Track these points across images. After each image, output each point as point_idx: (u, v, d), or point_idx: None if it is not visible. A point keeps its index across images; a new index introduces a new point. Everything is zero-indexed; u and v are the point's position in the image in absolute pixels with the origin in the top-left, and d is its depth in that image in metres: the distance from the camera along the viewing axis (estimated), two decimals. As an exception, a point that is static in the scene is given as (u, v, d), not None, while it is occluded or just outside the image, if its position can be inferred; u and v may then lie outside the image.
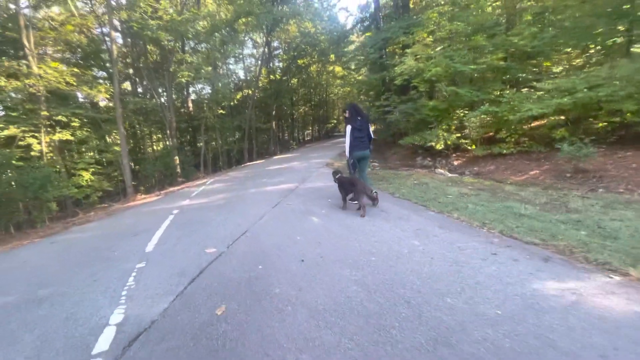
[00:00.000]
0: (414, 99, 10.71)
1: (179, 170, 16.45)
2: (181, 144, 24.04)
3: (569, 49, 8.94)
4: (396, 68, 9.83)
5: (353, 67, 28.14)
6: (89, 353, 2.00)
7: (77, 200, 10.99)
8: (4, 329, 2.43)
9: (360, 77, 30.29)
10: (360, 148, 4.94)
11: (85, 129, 10.65)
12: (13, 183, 8.03)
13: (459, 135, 9.40)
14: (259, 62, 27.80)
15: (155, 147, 22.99)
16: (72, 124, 10.04)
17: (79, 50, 16.63)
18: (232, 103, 26.63)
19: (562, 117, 6.99)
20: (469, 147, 9.38)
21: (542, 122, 8.43)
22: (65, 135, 9.77)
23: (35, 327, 2.39)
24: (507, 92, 7.36)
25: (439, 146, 9.42)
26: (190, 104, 23.61)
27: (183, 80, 13.26)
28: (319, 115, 44.23)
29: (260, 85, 27.45)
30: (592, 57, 8.67)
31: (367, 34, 17.66)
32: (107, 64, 16.71)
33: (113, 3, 12.23)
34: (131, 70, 20.85)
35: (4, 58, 8.98)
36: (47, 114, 9.11)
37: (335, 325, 1.98)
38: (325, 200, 5.49)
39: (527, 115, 6.64)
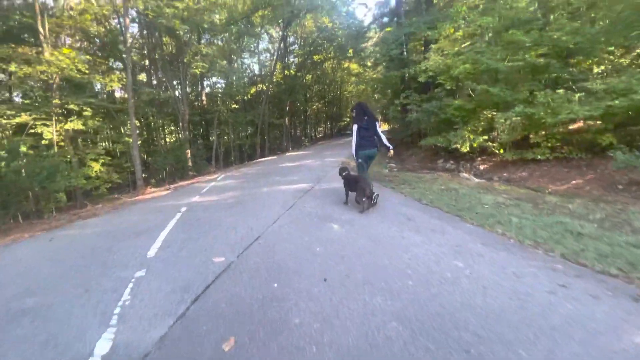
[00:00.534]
0: (439, 97, 10.09)
1: (190, 163, 16.24)
2: (194, 137, 23.93)
3: (611, 47, 8.18)
4: (421, 64, 9.24)
5: (370, 64, 27.52)
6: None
7: (87, 191, 10.82)
8: (-27, 350, 2.05)
9: (375, 76, 29.63)
10: (367, 147, 4.89)
11: (97, 118, 10.44)
12: (23, 172, 7.85)
13: (486, 137, 8.76)
14: (275, 56, 27.40)
15: (168, 140, 22.92)
16: (84, 113, 9.81)
17: (97, 40, 16.59)
18: (245, 97, 26.37)
19: (608, 122, 6.31)
20: (497, 151, 8.75)
21: (579, 125, 7.74)
22: (77, 125, 9.56)
23: (8, 351, 2.01)
24: (544, 93, 6.68)
25: (464, 148, 8.81)
26: (204, 97, 23.43)
27: (197, 71, 12.94)
28: (332, 112, 43.66)
29: (275, 80, 27.08)
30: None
31: (388, 29, 17.03)
32: (124, 55, 16.59)
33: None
34: (147, 62, 20.82)
35: (15, 45, 8.78)
36: (59, 102, 8.89)
37: (376, 383, 1.52)
38: (344, 204, 5.02)
39: (569, 118, 5.99)
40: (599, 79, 6.44)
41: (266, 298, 2.36)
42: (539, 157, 7.14)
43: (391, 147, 5.06)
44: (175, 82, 19.66)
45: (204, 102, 23.24)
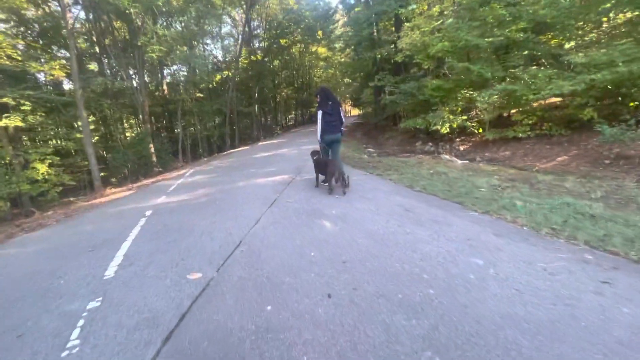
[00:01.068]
0: (417, 77, 9.79)
1: (154, 159, 15.02)
2: (157, 130, 22.29)
3: (580, 22, 8.21)
4: (398, 42, 8.81)
5: (339, 46, 26.85)
6: None
7: (37, 196, 9.56)
8: None
9: (344, 59, 29.10)
10: (332, 132, 4.96)
11: (39, 113, 9.11)
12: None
13: (464, 117, 8.62)
14: (239, 41, 25.91)
15: (128, 134, 21.18)
16: (23, 107, 8.50)
17: (35, 26, 14.59)
18: (210, 85, 24.91)
19: (587, 97, 6.28)
20: (476, 131, 8.65)
21: (552, 101, 7.76)
22: (14, 122, 8.26)
23: None
24: (528, 69, 6.53)
25: (444, 130, 8.62)
26: (165, 87, 21.77)
27: (154, 55, 11.70)
28: (302, 98, 42.64)
29: (241, 66, 25.70)
30: (607, 31, 7.97)
31: (357, 9, 16.41)
32: (68, 40, 14.76)
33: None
34: (97, 49, 18.78)
35: None
36: (-14, 95, 7.58)
37: None
38: (332, 197, 4.57)
39: (552, 93, 5.87)
40: (573, 54, 6.38)
41: (260, 329, 1.87)
42: (520, 135, 7.07)
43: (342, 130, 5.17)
44: (132, 72, 17.98)
45: (166, 91, 21.60)
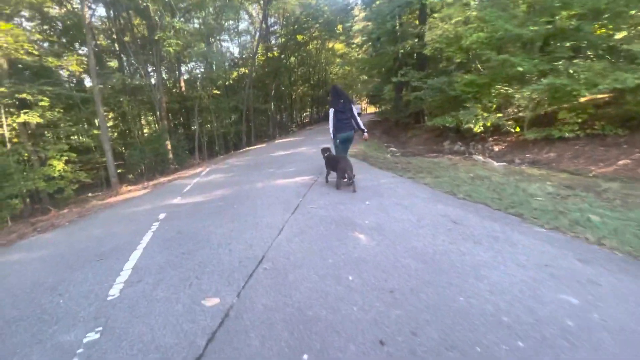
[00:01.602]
0: (448, 72, 9.13)
1: (171, 156, 14.89)
2: (174, 126, 22.31)
3: (632, 11, 7.35)
4: (426, 34, 8.19)
5: (358, 41, 26.22)
6: None
7: (54, 192, 9.49)
8: None
9: (361, 56, 28.46)
10: (344, 130, 5.00)
11: (57, 109, 9.00)
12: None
13: (500, 115, 7.92)
14: (256, 37, 25.66)
15: (146, 131, 21.29)
16: (41, 103, 8.39)
17: (58, 23, 14.71)
18: (227, 82, 24.78)
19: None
20: (512, 130, 7.94)
21: (605, 98, 6.97)
22: (33, 117, 8.15)
23: None
24: (580, 62, 5.82)
25: (477, 128, 7.96)
26: (182, 84, 21.75)
27: (171, 50, 11.45)
28: (318, 96, 42.10)
29: (257, 63, 25.44)
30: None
31: (378, 1, 15.73)
32: (85, 33, 14.80)
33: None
34: (117, 46, 18.87)
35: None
36: (5, 90, 7.46)
37: None
38: (361, 202, 4.09)
39: (612, 87, 5.17)
40: (638, 42, 5.63)
41: (296, 391, 1.42)
42: (567, 134, 6.35)
43: (365, 130, 5.27)
44: (150, 69, 17.98)
45: (183, 88, 21.56)
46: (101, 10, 16.86)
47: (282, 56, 27.52)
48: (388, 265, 2.45)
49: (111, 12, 17.55)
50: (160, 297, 2.37)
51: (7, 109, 8.19)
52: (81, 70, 10.44)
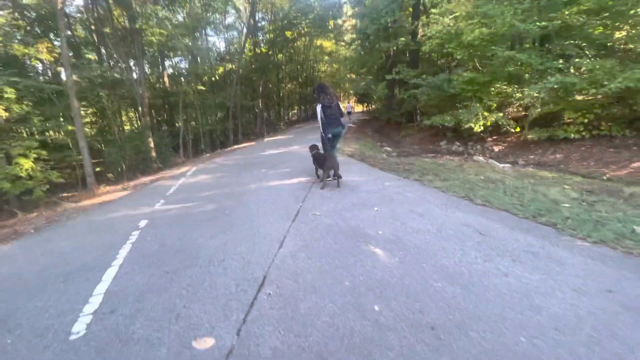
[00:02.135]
0: (444, 69, 8.84)
1: (154, 154, 14.09)
2: (157, 123, 21.36)
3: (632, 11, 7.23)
4: (427, 30, 7.86)
5: (348, 38, 25.90)
6: None
7: (21, 194, 8.65)
8: None
9: (349, 54, 28.23)
10: (334, 125, 5.00)
11: (25, 102, 8.18)
12: None
13: (501, 114, 7.69)
14: (244, 32, 24.93)
15: (127, 128, 20.27)
16: (6, 95, 7.57)
17: (31, 12, 13.68)
18: (213, 78, 24.01)
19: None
20: (513, 130, 7.72)
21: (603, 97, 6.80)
22: (-4, 111, 7.34)
23: None
24: (587, 60, 5.59)
25: (478, 128, 7.70)
26: (166, 79, 20.84)
27: (153, 40, 10.72)
28: (306, 93, 41.54)
29: (245, 58, 24.68)
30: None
31: (370, -1, 15.37)
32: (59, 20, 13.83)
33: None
34: (95, 38, 17.79)
35: None
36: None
37: None
38: (369, 208, 3.68)
39: (623, 86, 4.94)
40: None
41: None
42: (573, 135, 6.13)
43: (346, 127, 5.44)
44: (132, 63, 17.03)
45: (167, 83, 20.64)
46: (79, 0, 15.83)
47: (270, 52, 26.88)
48: (419, 290, 2.04)
49: (89, 0, 16.58)
50: (139, 336, 1.87)
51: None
52: (52, 60, 9.58)
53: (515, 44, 7.79)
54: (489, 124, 7.66)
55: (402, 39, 12.82)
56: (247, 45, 25.16)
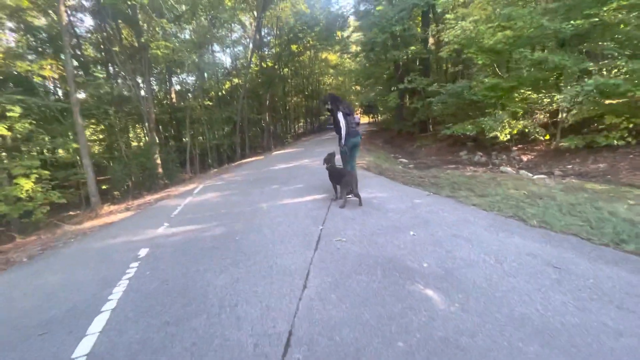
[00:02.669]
0: (462, 75, 8.40)
1: (160, 170, 13.80)
2: (164, 139, 21.27)
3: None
4: (446, 33, 7.45)
5: (353, 49, 25.82)
6: None
7: (21, 216, 8.29)
8: None
9: (354, 67, 28.25)
10: (354, 135, 4.70)
11: (28, 120, 7.92)
12: None
13: (528, 122, 7.15)
14: (250, 47, 25.07)
15: (135, 144, 20.18)
16: (9, 114, 7.32)
17: (42, 33, 13.76)
18: (220, 93, 24.03)
19: None
20: (542, 138, 7.16)
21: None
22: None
23: None
24: (622, 59, 5.07)
25: (504, 137, 7.16)
26: (173, 94, 20.87)
27: (159, 53, 10.53)
28: (312, 106, 41.52)
29: (251, 72, 24.70)
30: None
31: (378, 8, 15.14)
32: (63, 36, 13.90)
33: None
34: (104, 55, 17.92)
35: None
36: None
37: None
38: (403, 232, 3.15)
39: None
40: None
41: None
42: (615, 142, 5.55)
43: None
44: (140, 80, 17.04)
45: (174, 99, 20.65)
46: (89, 21, 16.01)
47: (276, 66, 26.95)
48: (501, 357, 1.49)
49: (98, 20, 16.76)
50: None
51: (-32, 121, 7.09)
52: (58, 77, 9.40)
53: (536, 46, 7.31)
54: (515, 132, 7.12)
55: (413, 47, 12.47)
56: (253, 59, 25.28)
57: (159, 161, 13.83)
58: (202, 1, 15.40)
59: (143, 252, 3.54)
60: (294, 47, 26.80)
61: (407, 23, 13.18)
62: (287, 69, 29.88)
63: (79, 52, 16.85)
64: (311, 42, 26.92)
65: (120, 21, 16.02)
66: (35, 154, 9.12)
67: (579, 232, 2.77)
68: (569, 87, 5.64)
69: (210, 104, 22.52)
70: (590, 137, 5.89)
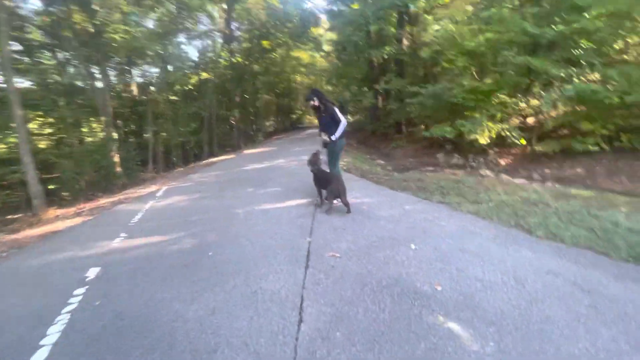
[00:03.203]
0: (435, 77, 8.34)
1: (118, 169, 12.57)
2: (124, 135, 19.64)
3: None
4: (424, 35, 7.30)
5: (327, 48, 25.62)
6: None
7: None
8: None
9: (326, 66, 28.20)
10: (343, 135, 4.29)
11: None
12: None
13: (506, 126, 7.21)
14: (219, 40, 23.99)
15: (91, 139, 18.38)
16: None
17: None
18: (186, 87, 22.77)
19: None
20: (518, 142, 7.25)
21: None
22: None
23: None
24: (598, 66, 5.17)
25: (483, 140, 7.16)
26: (134, 87, 19.32)
27: (117, 37, 9.48)
28: (283, 105, 40.75)
29: (221, 66, 23.61)
30: None
31: (354, 6, 14.92)
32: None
33: None
34: (52, 41, 16.07)
35: None
36: None
37: None
38: (403, 245, 2.82)
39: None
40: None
41: None
42: (591, 147, 5.67)
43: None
44: (95, 69, 15.49)
45: (135, 92, 19.10)
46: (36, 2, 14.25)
47: (247, 62, 26.06)
48: None
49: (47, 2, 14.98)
50: None
51: None
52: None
53: (515, 51, 7.40)
54: (493, 135, 7.15)
55: (388, 47, 12.38)
56: (222, 54, 24.22)
57: (117, 159, 12.59)
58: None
59: (93, 273, 2.91)
60: (265, 43, 26.07)
61: (383, 23, 13.10)
62: (257, 66, 29.01)
63: (22, 36, 14.97)
64: (283, 39, 26.36)
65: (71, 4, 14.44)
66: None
67: (591, 246, 2.59)
68: (551, 92, 5.70)
69: (176, 98, 21.19)
70: (566, 142, 6.00)
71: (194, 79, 24.32)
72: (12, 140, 8.40)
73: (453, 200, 4.09)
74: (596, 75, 5.81)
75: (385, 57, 13.07)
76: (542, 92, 6.43)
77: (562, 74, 5.66)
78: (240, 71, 24.16)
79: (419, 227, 3.29)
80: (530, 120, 7.17)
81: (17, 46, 13.09)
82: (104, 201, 7.43)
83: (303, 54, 35.18)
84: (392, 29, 13.71)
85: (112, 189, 10.69)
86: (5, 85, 8.66)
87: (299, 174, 6.94)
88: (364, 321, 1.87)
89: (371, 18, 11.20)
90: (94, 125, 20.40)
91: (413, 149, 10.77)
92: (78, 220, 5.57)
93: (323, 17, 24.01)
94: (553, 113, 6.08)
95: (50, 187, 12.03)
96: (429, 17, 8.35)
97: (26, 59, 13.65)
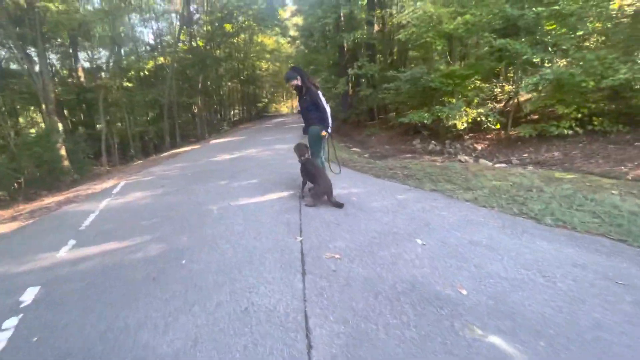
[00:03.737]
0: (405, 62, 8.14)
1: (66, 163, 11.20)
2: (72, 125, 17.69)
3: None
4: (399, 17, 7.03)
5: (294, 33, 24.75)
6: None
7: None
8: None
9: (292, 52, 27.57)
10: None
11: None
12: None
13: (482, 110, 7.20)
14: (177, 22, 22.26)
15: (33, 131, 16.30)
16: None
17: None
18: (142, 73, 20.99)
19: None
20: (493, 127, 7.29)
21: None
22: None
23: None
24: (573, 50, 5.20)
25: (461, 125, 7.10)
26: (80, 72, 17.33)
27: (52, 7, 8.20)
28: (249, 92, 39.17)
29: (179, 51, 21.94)
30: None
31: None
32: None
33: None
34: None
35: None
36: None
37: None
38: (408, 240, 2.52)
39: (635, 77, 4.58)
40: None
41: None
42: (565, 131, 5.77)
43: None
44: (32, 51, 13.56)
45: (82, 77, 17.16)
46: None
47: (208, 47, 24.51)
48: None
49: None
50: None
51: None
52: None
53: (494, 34, 7.35)
54: (470, 120, 7.12)
55: (359, 31, 12.02)
56: (182, 37, 22.53)
57: (63, 152, 11.19)
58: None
59: (30, 296, 2.30)
60: (227, 26, 24.65)
61: (354, 6, 12.68)
62: (220, 51, 27.40)
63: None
64: (247, 23, 25.07)
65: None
66: None
67: (603, 232, 2.45)
68: (531, 76, 5.69)
69: (131, 85, 19.41)
70: (541, 126, 6.07)
71: (150, 64, 22.50)
72: None
73: (445, 188, 3.88)
74: (567, 60, 5.89)
75: (356, 41, 12.73)
76: (515, 77, 6.45)
77: (539, 58, 5.68)
78: (201, 56, 22.67)
79: (419, 218, 3.01)
80: (504, 105, 7.23)
81: None
82: (48, 201, 6.45)
83: (268, 40, 33.95)
84: (362, 14, 13.38)
85: (59, 186, 9.49)
86: None
87: (273, 164, 6.48)
88: (388, 342, 1.53)
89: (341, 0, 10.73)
90: (35, 115, 18.22)
91: (387, 136, 10.62)
92: (14, 225, 4.69)
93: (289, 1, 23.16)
94: (526, 97, 6.12)
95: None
96: (405, -1, 8.10)
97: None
